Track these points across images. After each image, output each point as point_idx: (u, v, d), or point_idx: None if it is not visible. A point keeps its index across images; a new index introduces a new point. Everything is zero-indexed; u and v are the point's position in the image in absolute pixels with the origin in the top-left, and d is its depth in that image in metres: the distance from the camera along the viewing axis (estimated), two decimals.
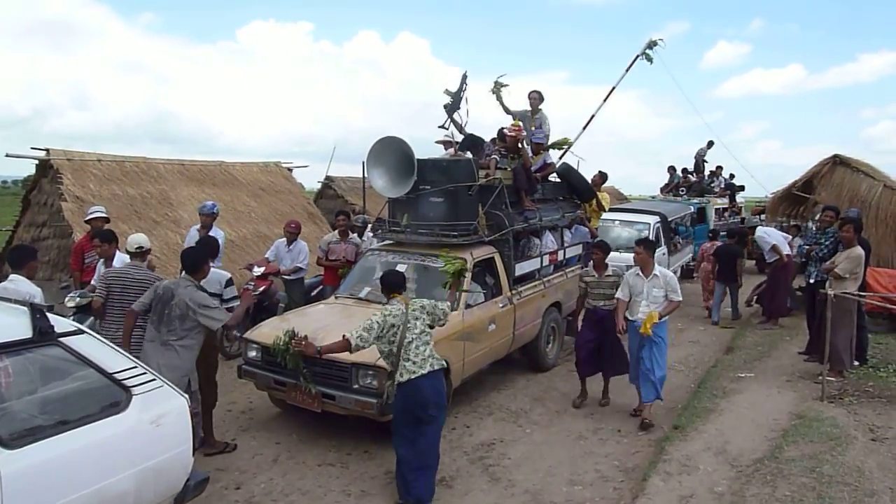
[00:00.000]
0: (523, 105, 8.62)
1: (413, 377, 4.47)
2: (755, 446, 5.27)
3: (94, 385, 3.25)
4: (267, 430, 5.91)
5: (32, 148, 9.75)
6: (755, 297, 11.32)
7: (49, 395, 3.24)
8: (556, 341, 8.01)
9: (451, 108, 8.18)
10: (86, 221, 7.29)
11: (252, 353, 5.78)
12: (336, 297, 6.75)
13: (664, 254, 11.97)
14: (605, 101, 9.66)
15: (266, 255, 8.36)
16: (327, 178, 16.10)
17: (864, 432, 5.37)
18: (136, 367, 3.40)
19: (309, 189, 17.22)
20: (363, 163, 6.99)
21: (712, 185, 18.05)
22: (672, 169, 19.13)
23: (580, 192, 8.88)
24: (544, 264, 7.71)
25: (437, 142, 7.90)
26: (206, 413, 5.29)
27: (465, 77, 8.06)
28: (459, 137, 8.09)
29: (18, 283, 4.79)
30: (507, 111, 8.60)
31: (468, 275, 6.16)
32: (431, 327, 4.77)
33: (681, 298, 6.08)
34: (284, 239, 8.26)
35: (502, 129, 7.88)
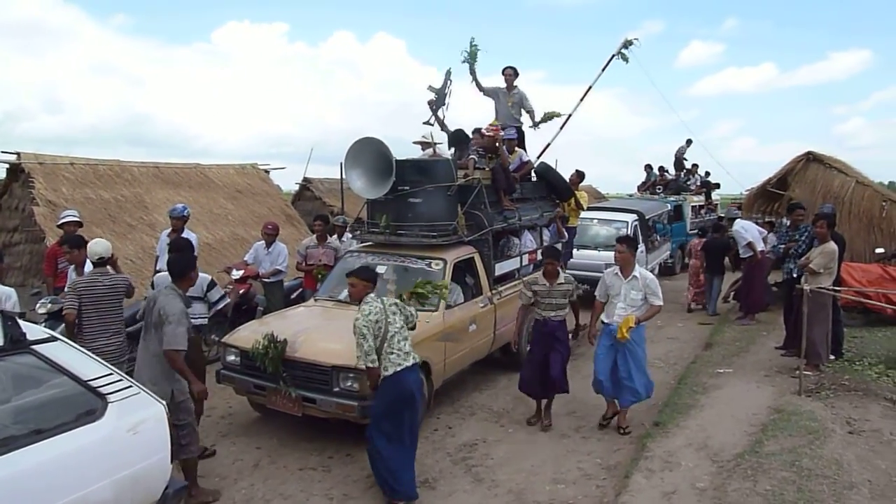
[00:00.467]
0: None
1: (399, 369, 4.49)
2: (735, 441, 5.32)
3: (68, 393, 3.18)
4: (247, 435, 5.84)
5: (3, 152, 9.55)
6: (732, 294, 11.46)
7: (22, 404, 3.17)
8: None
9: (437, 105, 8.17)
10: (58, 226, 7.17)
11: (231, 358, 5.70)
12: (315, 300, 6.69)
13: (642, 251, 12.05)
14: (581, 100, 9.68)
15: (245, 258, 8.28)
16: (305, 179, 15.97)
17: (842, 425, 5.44)
18: (111, 373, 3.33)
19: (287, 191, 17.10)
20: (341, 164, 6.94)
21: (688, 182, 18.23)
22: (649, 167, 19.31)
23: (559, 191, 8.90)
24: (524, 264, 7.73)
25: (416, 142, 7.88)
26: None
27: (449, 73, 8.05)
28: (440, 136, 8.08)
29: None
30: (480, 88, 8.58)
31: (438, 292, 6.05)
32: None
33: (661, 303, 5.75)
34: (263, 241, 8.17)
35: (454, 132, 7.92)
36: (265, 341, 5.27)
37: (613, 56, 9.70)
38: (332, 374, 5.13)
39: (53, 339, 3.20)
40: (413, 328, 4.89)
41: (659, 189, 17.90)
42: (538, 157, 9.10)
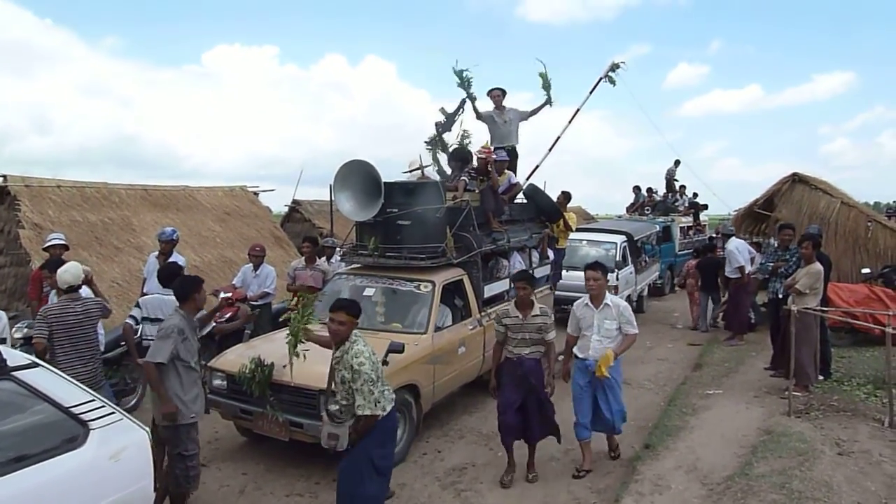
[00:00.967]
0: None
1: (392, 405, 4.31)
2: (725, 463, 5.30)
3: (49, 420, 3.13)
4: (233, 460, 5.76)
5: None
6: (720, 314, 11.50)
7: (2, 431, 3.11)
8: None
9: (443, 128, 8.21)
10: (44, 249, 7.10)
11: (217, 382, 5.64)
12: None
13: (631, 272, 12.10)
14: (570, 122, 9.75)
15: (233, 282, 8.23)
16: (294, 201, 15.97)
17: (831, 446, 5.43)
18: (93, 399, 3.28)
19: (276, 213, 17.06)
20: (331, 186, 6.94)
21: (676, 204, 18.35)
22: (637, 189, 19.45)
23: (547, 213, 8.93)
24: (513, 285, 7.71)
25: (405, 172, 7.91)
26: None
27: (463, 101, 8.12)
28: (432, 158, 8.14)
29: None
30: (478, 116, 8.64)
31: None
32: None
33: (636, 331, 5.33)
34: (251, 264, 8.14)
35: (457, 148, 7.94)
36: (252, 365, 5.22)
37: (601, 79, 9.78)
38: (320, 398, 5.06)
39: (35, 364, 3.15)
40: (384, 363, 4.80)
41: (647, 210, 18.01)
42: (527, 179, 9.14)
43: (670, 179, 19.00)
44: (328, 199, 7.60)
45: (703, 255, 11.67)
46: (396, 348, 5.24)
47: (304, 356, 4.85)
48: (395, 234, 6.75)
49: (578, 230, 11.48)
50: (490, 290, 7.20)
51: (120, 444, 3.29)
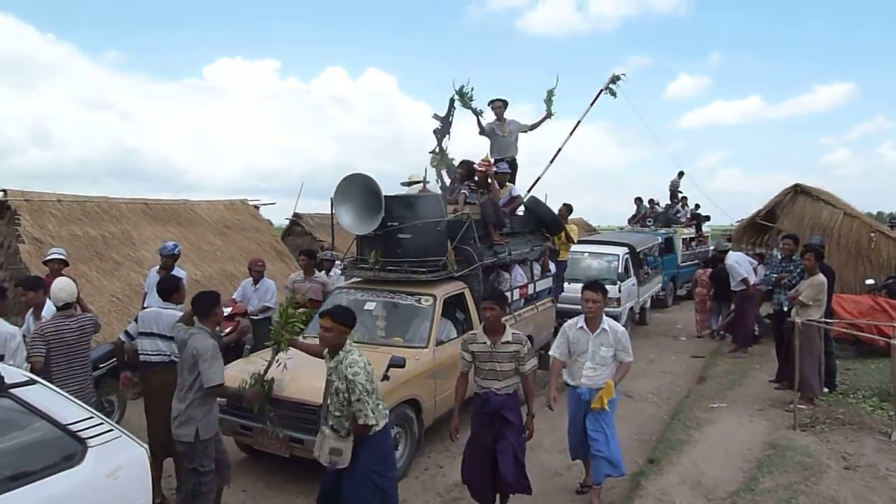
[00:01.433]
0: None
1: (387, 420, 4.31)
2: (730, 477, 5.26)
3: (47, 437, 3.11)
4: (232, 476, 5.71)
5: None
6: (724, 326, 11.47)
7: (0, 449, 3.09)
8: None
9: (441, 133, 8.22)
10: (43, 263, 7.11)
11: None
12: (304, 337, 6.62)
13: (634, 284, 12.07)
14: (571, 134, 9.79)
15: (233, 296, 8.22)
16: (295, 214, 15.98)
17: (837, 460, 5.40)
18: (91, 416, 3.27)
19: (277, 226, 17.09)
20: (331, 199, 6.95)
21: (678, 215, 18.36)
22: (639, 200, 19.46)
23: (548, 225, 8.94)
24: (515, 298, 7.70)
25: (403, 184, 7.92)
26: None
27: (452, 101, 8.13)
28: (432, 172, 8.16)
29: None
30: (481, 130, 8.65)
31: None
32: None
33: (632, 359, 4.91)
34: (251, 278, 8.14)
35: (466, 161, 7.93)
36: (252, 380, 5.19)
37: (602, 91, 9.84)
38: (320, 413, 5.04)
39: (32, 381, 3.14)
40: (385, 378, 4.81)
41: (649, 221, 18.02)
42: (528, 192, 9.17)
43: (674, 190, 19.05)
44: (329, 212, 7.60)
45: (715, 265, 11.68)
46: (398, 363, 5.22)
47: (286, 364, 4.86)
48: (395, 247, 6.74)
49: (580, 242, 11.47)
50: None
51: (118, 461, 3.27)
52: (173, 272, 7.24)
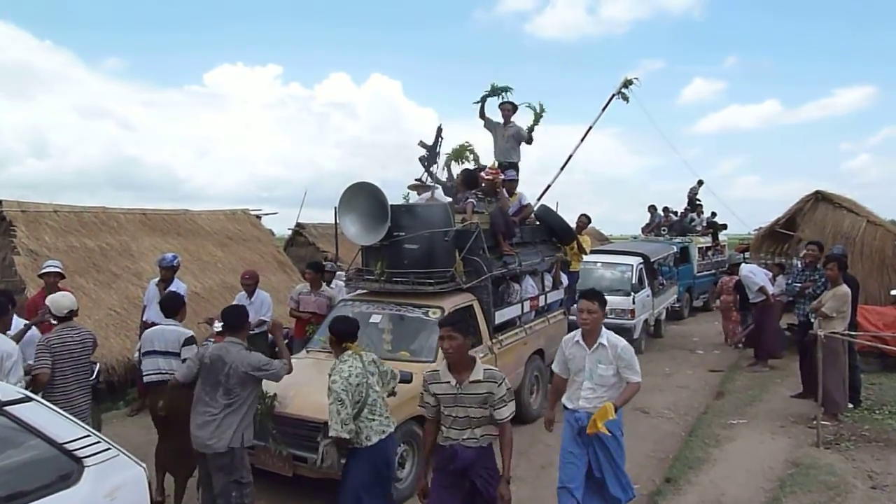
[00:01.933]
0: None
1: (383, 437, 4.30)
2: (751, 497, 5.21)
3: (42, 456, 3.10)
4: None
5: None
6: (743, 339, 11.41)
7: None
8: (540, 391, 7.93)
9: (428, 162, 8.24)
10: (39, 275, 7.13)
11: None
12: (307, 351, 6.63)
13: (648, 296, 12.04)
14: (582, 140, 9.81)
15: None
16: (298, 224, 16.03)
17: (864, 479, 5.34)
18: (88, 435, 3.26)
19: (279, 236, 17.14)
20: (335, 209, 6.96)
21: (694, 223, 18.31)
22: (653, 208, 19.40)
23: (559, 235, 8.92)
24: (525, 310, 7.69)
25: (410, 187, 7.92)
26: (181, 482, 5.24)
27: (440, 130, 8.16)
28: (434, 183, 8.14)
29: None
30: (483, 117, 8.67)
31: None
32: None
33: (639, 379, 4.39)
34: (244, 292, 7.97)
35: (466, 170, 7.95)
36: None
37: (613, 96, 9.86)
38: (324, 430, 5.03)
39: (27, 399, 3.14)
40: (392, 393, 4.75)
41: (664, 230, 17.98)
42: (538, 200, 9.17)
43: (693, 199, 18.97)
44: (333, 222, 7.62)
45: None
46: (405, 378, 5.19)
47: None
48: (401, 258, 6.74)
49: (592, 252, 11.46)
50: (501, 315, 7.17)
51: (116, 481, 3.25)
52: (173, 285, 7.25)
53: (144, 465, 3.51)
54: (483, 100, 8.60)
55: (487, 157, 8.69)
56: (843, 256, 7.66)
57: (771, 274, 10.96)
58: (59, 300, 5.13)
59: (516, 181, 8.43)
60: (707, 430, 6.95)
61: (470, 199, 7.51)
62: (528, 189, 8.97)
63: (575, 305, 9.60)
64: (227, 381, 4.46)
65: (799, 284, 8.21)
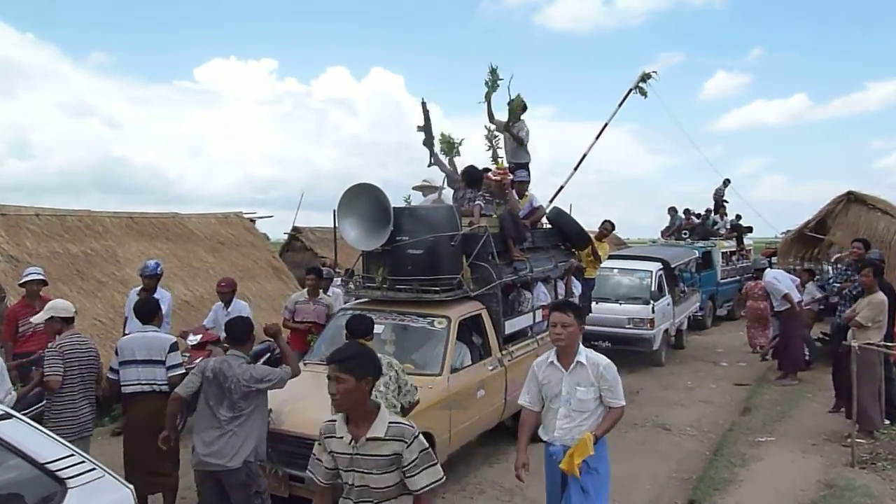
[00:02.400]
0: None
1: None
2: None
3: (23, 477, 3.10)
4: None
5: None
6: (770, 351, 11.36)
7: None
8: None
9: (429, 143, 8.23)
10: (20, 285, 7.15)
11: None
12: (305, 364, 6.62)
13: (668, 304, 12.01)
14: (597, 138, 9.80)
15: (204, 323, 8.09)
16: (294, 228, 16.08)
17: None
18: (72, 454, 3.25)
19: (274, 240, 17.18)
20: (334, 212, 6.97)
21: (717, 226, 18.26)
22: (673, 210, 19.37)
23: (573, 239, 8.90)
24: (537, 320, 7.67)
25: (415, 188, 7.91)
26: (168, 493, 5.26)
27: (423, 104, 8.13)
28: (440, 176, 8.14)
29: None
30: (491, 119, 8.65)
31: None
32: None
33: (623, 403, 4.10)
34: (221, 302, 7.92)
35: (471, 167, 7.93)
36: None
37: (631, 90, 9.84)
38: None
39: (7, 416, 3.13)
40: (410, 405, 4.80)
41: (685, 234, 17.94)
42: (550, 202, 9.15)
43: (719, 200, 18.89)
44: (332, 225, 7.63)
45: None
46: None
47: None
48: (405, 264, 6.73)
49: (609, 257, 11.43)
50: (512, 325, 7.16)
51: (100, 503, 3.25)
52: (157, 294, 7.18)
53: (132, 486, 3.51)
54: (488, 100, 8.56)
55: (481, 156, 8.59)
56: (879, 262, 7.62)
57: (798, 280, 10.92)
58: (63, 303, 5.34)
59: (527, 182, 8.41)
60: (733, 449, 6.92)
61: (478, 202, 7.50)
62: (540, 190, 8.98)
63: (590, 314, 9.69)
64: (231, 395, 4.56)
65: (839, 284, 8.14)
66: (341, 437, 3.00)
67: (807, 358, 10.44)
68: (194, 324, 8.81)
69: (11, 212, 9.81)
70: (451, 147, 8.40)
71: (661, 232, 19.37)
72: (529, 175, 8.61)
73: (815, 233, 12.14)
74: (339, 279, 10.46)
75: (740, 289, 15.93)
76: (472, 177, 7.78)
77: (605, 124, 9.97)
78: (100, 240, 10.56)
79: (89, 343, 5.29)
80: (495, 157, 8.30)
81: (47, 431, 3.37)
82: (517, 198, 8.00)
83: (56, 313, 5.20)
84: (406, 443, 2.93)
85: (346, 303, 8.11)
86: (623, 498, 5.93)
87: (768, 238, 19.61)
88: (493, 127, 8.39)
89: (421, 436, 3.03)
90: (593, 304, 9.95)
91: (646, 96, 9.83)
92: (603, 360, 4.06)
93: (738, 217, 18.83)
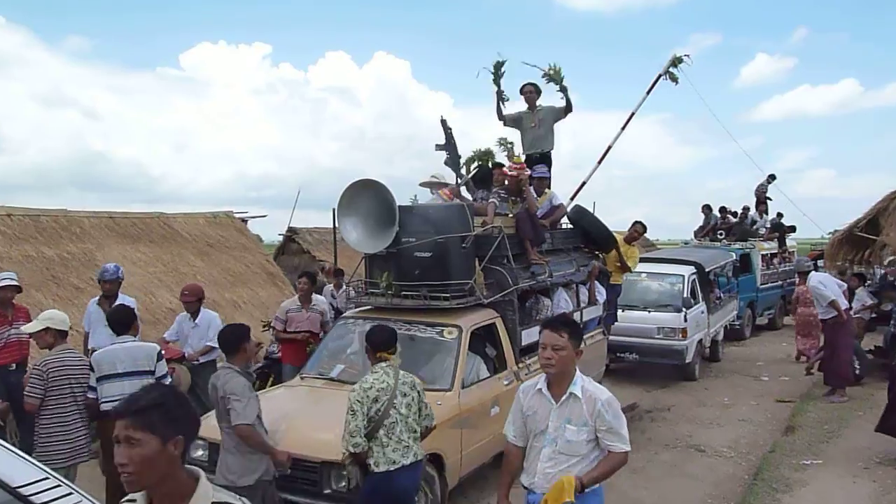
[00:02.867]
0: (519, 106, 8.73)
1: (393, 468, 4.41)
2: None
3: None
4: None
5: None
6: (817, 364, 11.28)
7: None
8: None
9: (452, 162, 8.20)
10: None
11: (198, 453, 5.61)
12: (302, 378, 6.64)
13: (703, 312, 11.96)
14: (623, 128, 9.81)
15: (165, 335, 7.67)
16: (290, 229, 16.13)
17: None
18: (47, 478, 3.26)
19: (268, 243, 17.26)
20: (334, 211, 6.97)
21: (756, 226, 18.17)
22: (708, 208, 19.29)
23: (597, 241, 8.87)
24: None
25: (423, 184, 7.92)
26: None
27: (444, 122, 8.13)
28: (452, 180, 8.14)
29: None
30: (501, 117, 8.65)
31: None
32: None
33: (627, 448, 3.58)
34: (186, 312, 7.56)
35: (480, 166, 7.95)
36: None
37: (660, 76, 9.84)
38: (323, 471, 5.04)
39: None
40: (427, 430, 4.87)
41: (721, 234, 17.87)
42: (571, 199, 9.15)
43: (761, 196, 18.76)
44: (331, 226, 7.64)
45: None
46: None
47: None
48: (412, 268, 6.73)
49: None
50: (529, 335, 7.13)
51: None
52: (118, 301, 7.02)
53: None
54: (500, 99, 8.57)
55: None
56: None
57: (846, 286, 10.84)
58: (59, 314, 5.40)
59: (548, 178, 8.38)
60: (775, 473, 6.89)
61: (492, 199, 7.49)
62: (561, 187, 8.95)
63: (616, 323, 9.66)
64: (220, 407, 4.63)
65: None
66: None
67: (857, 372, 10.37)
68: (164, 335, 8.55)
69: None
70: (497, 70, 8.46)
71: (695, 232, 19.30)
72: (550, 170, 8.60)
73: (866, 233, 12.03)
74: (329, 285, 10.48)
75: (782, 295, 15.83)
76: (480, 176, 7.81)
77: (632, 113, 9.97)
78: (77, 242, 10.62)
79: (84, 359, 5.32)
80: (511, 157, 8.29)
81: (23, 454, 3.38)
82: (535, 195, 7.98)
83: (53, 325, 5.23)
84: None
85: (345, 310, 8.11)
86: None
87: (814, 239, 19.53)
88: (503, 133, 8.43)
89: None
90: (619, 311, 9.93)
91: (677, 82, 9.82)
92: (603, 393, 3.61)
93: (780, 215, 18.71)
